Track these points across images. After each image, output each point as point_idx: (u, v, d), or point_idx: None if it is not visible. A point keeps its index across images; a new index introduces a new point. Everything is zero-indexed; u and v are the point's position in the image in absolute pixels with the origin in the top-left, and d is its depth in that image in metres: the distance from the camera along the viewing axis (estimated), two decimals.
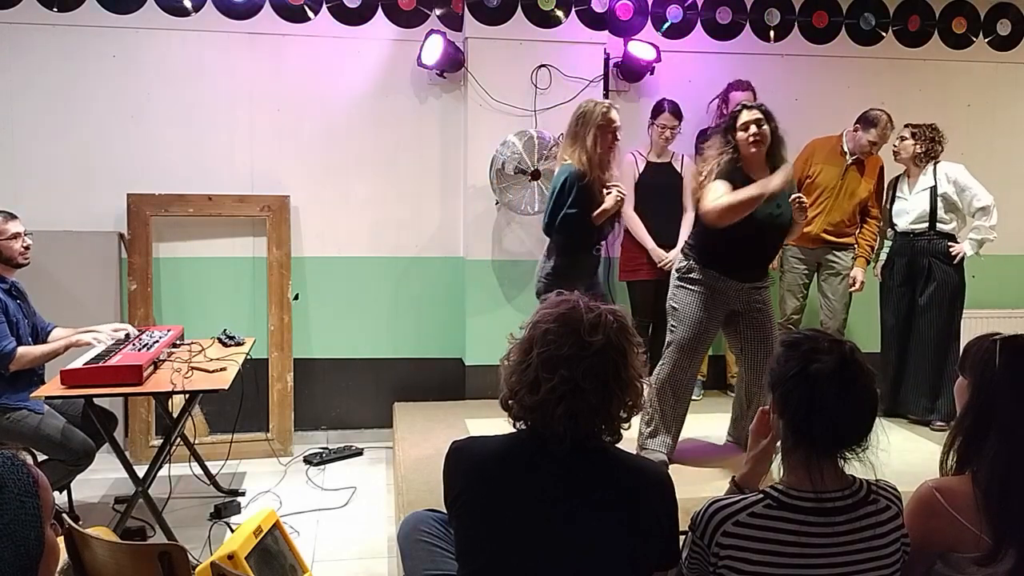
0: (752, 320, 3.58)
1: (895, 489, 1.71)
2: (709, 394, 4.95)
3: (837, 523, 1.60)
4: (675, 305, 3.57)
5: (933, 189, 4.39)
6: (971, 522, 1.67)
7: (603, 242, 3.80)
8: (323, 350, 4.77)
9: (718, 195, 3.31)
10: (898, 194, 4.52)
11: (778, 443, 1.75)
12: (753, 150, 3.36)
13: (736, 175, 3.38)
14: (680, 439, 3.73)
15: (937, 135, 4.40)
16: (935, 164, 4.44)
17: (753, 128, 3.36)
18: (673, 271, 3.66)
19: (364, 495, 4.01)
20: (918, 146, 4.39)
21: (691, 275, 3.52)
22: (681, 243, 4.65)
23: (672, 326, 3.60)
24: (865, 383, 1.64)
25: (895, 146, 4.48)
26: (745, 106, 3.44)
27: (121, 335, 3.56)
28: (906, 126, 4.46)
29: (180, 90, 4.51)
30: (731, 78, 4.74)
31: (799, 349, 1.66)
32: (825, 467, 1.63)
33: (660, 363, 3.64)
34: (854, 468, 1.67)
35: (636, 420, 1.82)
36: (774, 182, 3.25)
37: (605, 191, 3.64)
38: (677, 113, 4.57)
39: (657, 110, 4.61)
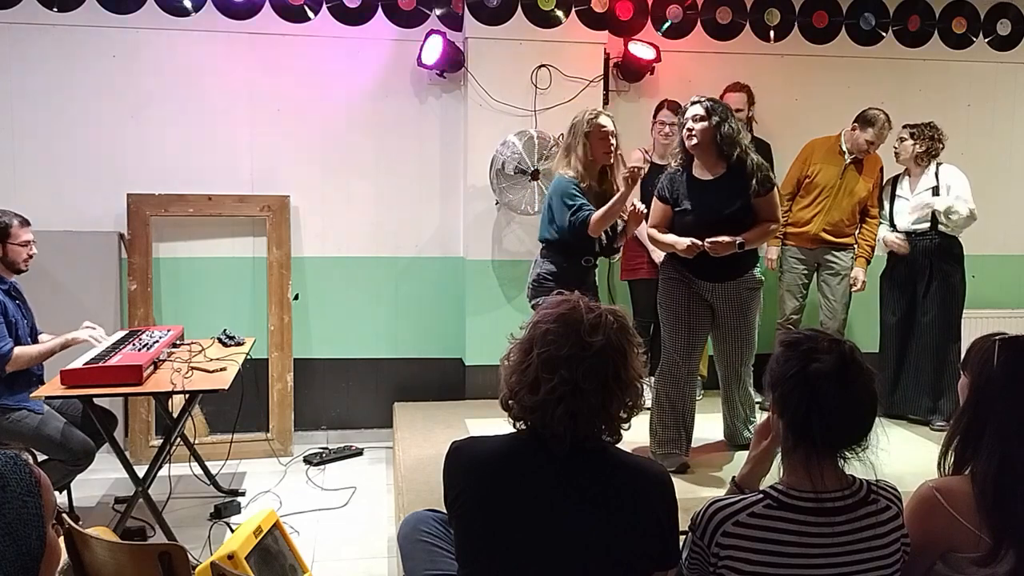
0: (726, 319, 3.59)
1: (895, 489, 1.71)
2: (709, 394, 4.95)
3: (837, 523, 1.60)
4: (660, 300, 3.62)
5: (935, 190, 4.37)
6: (971, 522, 1.67)
7: (592, 256, 3.73)
8: (323, 350, 4.77)
9: (654, 218, 3.54)
10: (898, 193, 4.51)
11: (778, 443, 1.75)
12: (689, 143, 3.41)
13: (676, 182, 3.47)
14: None
15: (937, 133, 4.38)
16: (937, 165, 4.44)
17: (688, 124, 3.40)
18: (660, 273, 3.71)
19: (364, 495, 4.01)
20: (918, 145, 4.38)
21: (666, 268, 3.59)
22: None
23: (662, 323, 3.64)
24: (865, 382, 1.64)
25: (895, 147, 4.48)
26: (693, 101, 3.45)
27: (106, 337, 3.54)
28: (904, 126, 4.45)
29: (180, 90, 4.51)
30: (731, 78, 4.75)
31: (798, 349, 1.66)
32: (825, 467, 1.63)
33: (658, 372, 3.64)
34: (854, 468, 1.67)
35: (638, 421, 1.81)
36: (681, 244, 3.37)
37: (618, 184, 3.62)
38: (677, 111, 4.56)
39: (657, 108, 4.62)
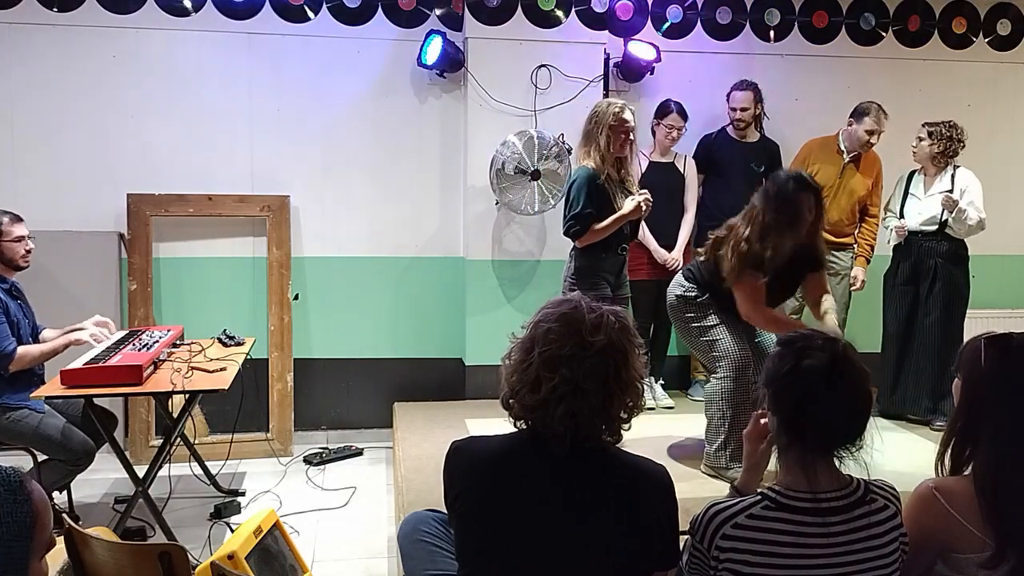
0: (745, 328, 3.56)
1: (893, 489, 1.71)
2: None
3: (834, 523, 1.60)
4: (708, 338, 3.45)
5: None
6: (971, 522, 1.67)
7: (626, 243, 3.83)
8: (323, 350, 4.77)
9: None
10: (912, 191, 4.42)
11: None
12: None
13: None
14: (682, 439, 3.70)
15: (955, 132, 4.27)
16: (955, 168, 4.34)
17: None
18: (675, 296, 3.55)
19: (364, 495, 4.01)
20: (935, 146, 4.27)
21: (701, 299, 3.45)
22: (681, 243, 4.66)
23: (716, 353, 3.44)
24: (857, 380, 1.64)
25: (913, 147, 4.40)
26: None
27: (111, 334, 3.55)
28: (923, 125, 4.35)
29: (180, 90, 4.51)
30: (731, 78, 4.74)
31: (793, 347, 1.67)
32: (820, 467, 1.63)
33: (719, 378, 3.45)
34: (849, 468, 1.67)
35: (639, 422, 1.81)
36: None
37: (628, 196, 3.72)
38: (684, 114, 4.59)
39: (664, 111, 4.61)
